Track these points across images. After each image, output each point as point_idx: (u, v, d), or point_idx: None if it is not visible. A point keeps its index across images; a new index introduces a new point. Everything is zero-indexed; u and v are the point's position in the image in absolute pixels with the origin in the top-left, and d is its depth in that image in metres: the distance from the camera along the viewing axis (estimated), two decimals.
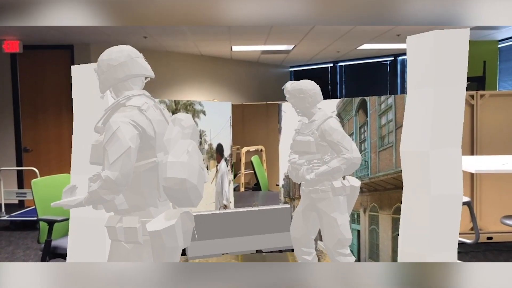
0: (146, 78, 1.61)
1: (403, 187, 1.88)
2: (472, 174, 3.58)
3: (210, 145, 3.76)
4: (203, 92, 8.02)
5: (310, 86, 2.23)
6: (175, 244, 1.47)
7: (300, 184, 2.37)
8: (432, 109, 1.79)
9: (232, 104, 4.08)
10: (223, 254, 3.14)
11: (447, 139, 1.81)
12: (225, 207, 3.82)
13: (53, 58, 6.36)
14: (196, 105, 3.62)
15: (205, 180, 1.54)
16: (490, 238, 3.59)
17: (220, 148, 3.92)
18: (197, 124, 3.57)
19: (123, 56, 1.52)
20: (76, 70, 2.03)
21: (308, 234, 2.35)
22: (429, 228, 1.79)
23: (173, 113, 2.11)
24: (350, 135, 2.83)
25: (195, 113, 3.56)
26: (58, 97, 6.28)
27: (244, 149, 4.75)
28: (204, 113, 3.69)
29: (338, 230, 2.16)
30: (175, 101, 3.40)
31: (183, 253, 3.12)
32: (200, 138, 3.63)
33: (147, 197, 1.48)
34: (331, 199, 2.17)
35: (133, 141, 1.38)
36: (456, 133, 1.83)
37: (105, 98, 1.58)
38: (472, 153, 3.73)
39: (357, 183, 2.23)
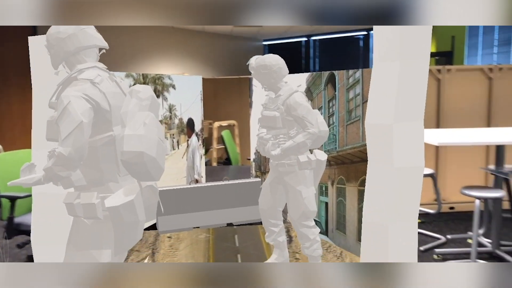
0: (101, 50, 1.56)
1: (368, 160, 1.92)
2: (436, 147, 3.68)
3: (181, 119, 3.72)
4: (173, 66, 7.88)
5: (274, 62, 2.21)
6: (135, 219, 1.45)
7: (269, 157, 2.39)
8: (396, 83, 1.82)
9: (203, 78, 4.03)
10: (194, 227, 3.16)
11: (410, 113, 1.85)
12: (197, 181, 3.82)
13: (14, 28, 6.08)
14: (166, 79, 3.56)
15: (166, 153, 1.52)
16: (452, 208, 3.73)
17: (191, 122, 3.89)
18: (166, 99, 3.55)
19: (72, 28, 1.46)
20: (34, 41, 1.94)
21: (276, 206, 2.39)
22: (391, 199, 1.84)
23: None
24: (319, 109, 2.85)
25: (164, 87, 3.50)
26: (21, 71, 6.04)
27: (216, 124, 4.73)
28: (174, 87, 3.63)
29: (302, 203, 2.19)
30: (143, 74, 3.33)
31: (154, 227, 3.12)
32: (170, 112, 3.59)
33: (106, 172, 1.46)
34: (297, 173, 2.20)
35: (85, 116, 1.34)
36: (419, 106, 1.87)
37: (63, 72, 1.53)
38: (437, 126, 3.82)
39: (323, 156, 2.25)
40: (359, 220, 2.43)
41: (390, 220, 1.84)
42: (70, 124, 1.33)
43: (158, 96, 3.41)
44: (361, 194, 2.36)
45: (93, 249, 1.41)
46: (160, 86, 3.47)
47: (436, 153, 3.83)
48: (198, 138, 3.95)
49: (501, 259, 2.64)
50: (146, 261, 2.54)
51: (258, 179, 3.22)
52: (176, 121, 3.67)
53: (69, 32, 1.47)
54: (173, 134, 3.63)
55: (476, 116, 3.88)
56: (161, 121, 3.43)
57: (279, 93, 2.23)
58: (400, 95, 1.82)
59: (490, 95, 3.92)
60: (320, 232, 2.95)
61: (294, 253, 2.69)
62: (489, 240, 2.79)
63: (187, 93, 3.82)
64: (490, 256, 2.67)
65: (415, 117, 1.84)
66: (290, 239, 2.89)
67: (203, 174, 4.03)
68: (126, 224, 1.47)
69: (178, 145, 3.71)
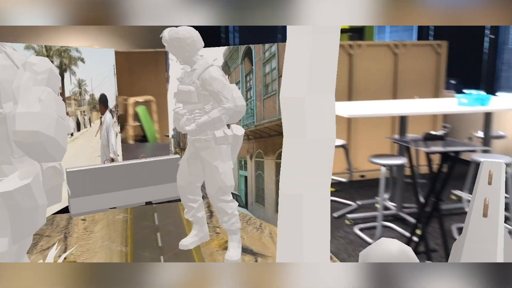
0: None
1: (283, 133, 1.96)
2: (348, 119, 3.89)
3: (92, 95, 3.51)
4: (82, 37, 7.35)
5: (188, 34, 2.14)
6: (34, 204, 1.34)
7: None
8: (309, 57, 1.85)
9: (116, 51, 3.81)
10: (111, 208, 3.05)
11: (322, 86, 1.90)
12: (113, 160, 3.66)
13: None
14: (73, 52, 3.30)
15: (68, 131, 1.40)
16: (363, 176, 4.00)
17: (103, 98, 3.69)
18: (74, 73, 3.30)
19: None
20: None
21: (194, 182, 2.37)
22: (305, 170, 1.91)
23: None
24: (237, 83, 2.85)
25: (71, 61, 3.25)
26: None
27: (132, 100, 4.53)
28: (82, 60, 3.39)
29: (219, 178, 2.20)
30: (46, 46, 3.05)
31: (66, 210, 2.95)
32: (80, 88, 3.36)
33: None
34: (214, 148, 2.19)
35: None
36: (330, 80, 1.93)
37: None
38: (349, 99, 4.03)
39: (240, 131, 2.26)
40: (277, 192, 2.50)
41: (304, 191, 1.91)
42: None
43: (65, 71, 3.17)
44: (278, 167, 2.43)
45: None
46: (66, 60, 3.22)
47: (348, 125, 4.04)
48: (112, 115, 3.76)
49: (403, 220, 2.90)
50: (56, 245, 2.40)
51: (177, 156, 3.17)
52: (87, 97, 3.45)
53: None
54: (84, 111, 3.42)
55: (384, 89, 4.15)
56: (69, 97, 3.20)
57: (194, 67, 2.18)
58: (312, 69, 1.86)
59: (396, 69, 4.19)
60: (240, 206, 3.00)
61: (215, 228, 2.71)
62: (394, 204, 3.04)
63: (98, 67, 3.60)
64: (394, 218, 2.92)
65: (327, 90, 1.90)
66: (211, 214, 2.90)
67: (120, 152, 3.87)
68: (23, 210, 1.35)
69: (90, 122, 3.50)
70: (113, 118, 3.75)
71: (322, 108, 1.96)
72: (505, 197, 1.28)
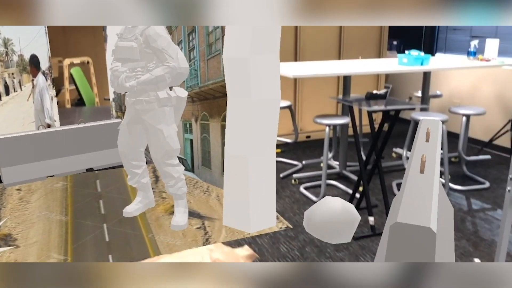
0: None
1: (227, 93, 1.92)
2: (295, 80, 3.89)
3: (21, 56, 3.23)
4: None
5: None
6: None
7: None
8: None
9: None
10: (48, 176, 2.89)
11: (265, 46, 1.86)
12: (49, 126, 3.44)
13: None
14: None
15: None
16: (309, 136, 4.06)
17: (34, 59, 3.41)
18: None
19: None
20: None
21: (136, 146, 2.28)
22: (250, 132, 1.89)
23: None
24: (179, 43, 2.72)
25: None
26: None
27: (67, 61, 4.24)
28: None
29: (165, 142, 2.13)
30: None
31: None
32: (6, 48, 3.08)
33: None
34: (156, 111, 2.10)
35: None
36: (274, 39, 1.89)
37: None
38: (295, 60, 4.01)
39: (183, 93, 2.19)
40: (222, 154, 2.47)
41: (250, 153, 1.90)
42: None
43: None
44: (224, 129, 2.38)
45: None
46: None
47: (294, 86, 4.05)
48: (46, 77, 3.50)
49: (347, 178, 2.99)
50: None
51: (119, 120, 3.03)
52: (15, 58, 3.17)
53: None
54: (12, 74, 3.15)
55: (329, 50, 4.16)
56: None
57: None
58: (255, 29, 1.81)
59: (341, 31, 4.21)
60: (186, 170, 2.95)
61: (161, 193, 2.66)
62: (337, 163, 3.12)
63: (27, 26, 3.30)
64: (338, 176, 3.01)
65: (271, 49, 1.86)
66: (156, 179, 2.83)
67: (56, 117, 3.64)
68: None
69: (20, 86, 3.24)
70: (46, 81, 3.50)
71: (266, 68, 1.93)
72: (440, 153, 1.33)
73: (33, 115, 3.36)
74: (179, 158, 2.73)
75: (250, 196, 1.96)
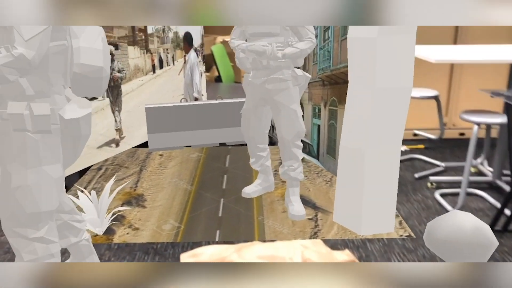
0: None
1: (349, 78, 1.72)
2: (451, 65, 3.36)
3: (176, 33, 3.51)
4: None
5: None
6: (89, 132, 1.41)
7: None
8: None
9: None
10: (186, 146, 3.11)
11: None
12: (196, 99, 3.69)
13: None
14: None
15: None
16: (463, 134, 3.51)
17: (188, 37, 3.67)
18: None
19: None
20: None
21: (263, 129, 2.26)
22: (369, 122, 1.67)
23: None
24: None
25: None
26: None
27: (219, 39, 4.46)
28: None
29: (298, 122, 2.05)
30: None
31: (146, 144, 3.08)
32: (164, 25, 3.37)
33: (53, 83, 1.34)
34: (290, 90, 2.02)
35: None
36: None
37: None
38: (455, 43, 3.45)
39: (308, 74, 2.09)
40: None
41: (367, 146, 1.69)
42: (36, 26, 1.21)
43: None
44: None
45: (46, 165, 1.33)
46: None
47: (450, 73, 3.50)
48: (197, 54, 3.75)
49: (499, 189, 2.48)
50: (113, 179, 2.51)
51: None
52: (171, 34, 3.46)
53: None
54: (167, 49, 3.45)
55: (502, 31, 3.44)
56: (151, 34, 3.23)
57: None
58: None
59: None
60: (312, 156, 2.84)
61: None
62: (491, 169, 2.61)
63: None
64: (489, 186, 2.51)
65: (405, 29, 1.60)
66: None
67: (204, 92, 3.89)
68: (80, 137, 1.41)
69: (173, 60, 3.54)
70: (198, 57, 3.74)
71: (397, 51, 1.66)
72: None
73: (183, 89, 3.64)
74: (305, 143, 2.64)
75: (364, 195, 1.75)
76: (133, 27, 3.00)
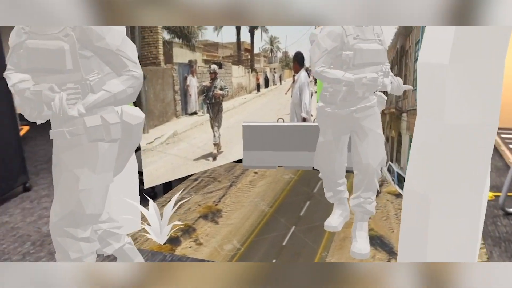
0: None
1: (417, 111, 1.48)
2: None
3: (285, 53, 3.52)
4: None
5: None
6: (139, 140, 1.50)
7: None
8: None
9: None
10: (279, 166, 3.08)
11: (483, 46, 1.31)
12: (304, 119, 3.64)
13: None
14: None
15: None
16: None
17: (299, 57, 3.65)
18: (266, 30, 3.37)
19: None
20: None
21: (342, 163, 2.11)
22: (436, 164, 1.40)
23: None
24: (416, 43, 2.31)
25: None
26: None
27: None
28: None
29: (382, 148, 1.90)
30: None
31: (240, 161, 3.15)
32: (272, 45, 3.42)
33: None
34: (377, 115, 1.91)
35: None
36: (496, 40, 1.31)
37: None
38: None
39: (383, 95, 1.92)
40: None
41: (432, 192, 1.43)
42: (135, 50, 1.40)
43: (255, 28, 3.25)
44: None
45: (107, 172, 1.42)
46: None
47: None
48: (308, 74, 3.71)
49: None
50: (179, 194, 2.59)
51: None
52: (279, 54, 3.49)
53: None
54: (274, 69, 3.49)
55: None
56: (258, 54, 3.31)
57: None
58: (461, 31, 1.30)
59: None
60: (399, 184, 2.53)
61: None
62: None
63: (295, 25, 3.56)
64: None
65: (490, 53, 1.31)
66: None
67: (313, 112, 3.82)
68: (132, 144, 1.50)
69: (280, 80, 3.56)
70: (309, 77, 3.70)
71: (477, 79, 1.36)
72: None
73: (289, 108, 3.63)
74: (400, 176, 2.36)
75: (429, 247, 1.48)
76: (238, 47, 3.11)
